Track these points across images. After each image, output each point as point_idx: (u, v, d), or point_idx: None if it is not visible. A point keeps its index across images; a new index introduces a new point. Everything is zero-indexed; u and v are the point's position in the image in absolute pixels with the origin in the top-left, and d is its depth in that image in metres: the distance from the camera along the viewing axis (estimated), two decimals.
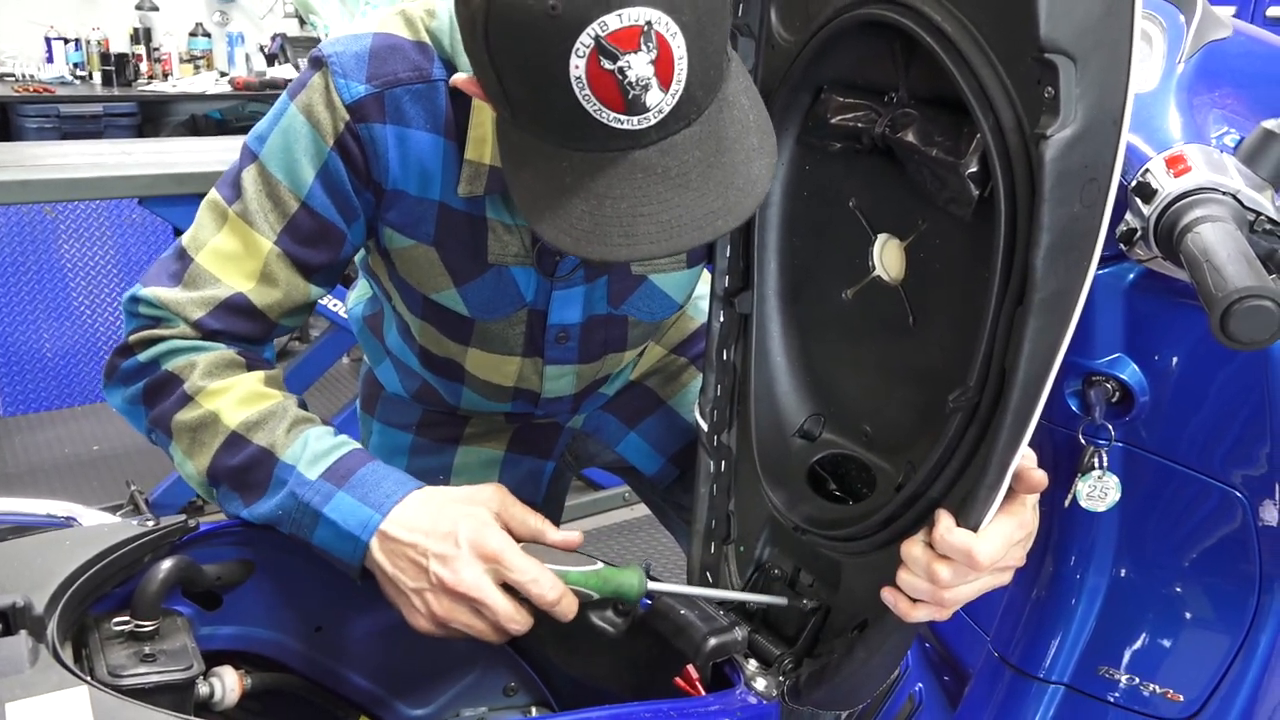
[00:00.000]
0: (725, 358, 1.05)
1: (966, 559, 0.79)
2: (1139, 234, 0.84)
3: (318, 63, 0.96)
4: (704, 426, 1.08)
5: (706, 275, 1.40)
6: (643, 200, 0.78)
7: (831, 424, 1.01)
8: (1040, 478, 0.83)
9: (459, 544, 0.83)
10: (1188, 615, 1.05)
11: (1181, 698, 1.05)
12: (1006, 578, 0.85)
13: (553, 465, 1.33)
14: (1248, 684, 1.04)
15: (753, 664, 0.94)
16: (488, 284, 1.06)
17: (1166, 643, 1.06)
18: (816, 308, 1.00)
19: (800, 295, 1.01)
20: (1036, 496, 0.84)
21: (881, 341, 0.94)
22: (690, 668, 0.90)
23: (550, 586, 0.84)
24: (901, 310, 0.91)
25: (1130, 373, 0.98)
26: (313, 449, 0.90)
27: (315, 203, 0.97)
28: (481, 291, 1.06)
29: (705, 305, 1.36)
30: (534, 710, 1.04)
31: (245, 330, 0.99)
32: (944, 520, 0.81)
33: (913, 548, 0.82)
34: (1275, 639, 1.03)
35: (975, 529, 0.80)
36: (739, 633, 0.92)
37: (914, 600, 0.83)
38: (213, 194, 1.00)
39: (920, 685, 1.35)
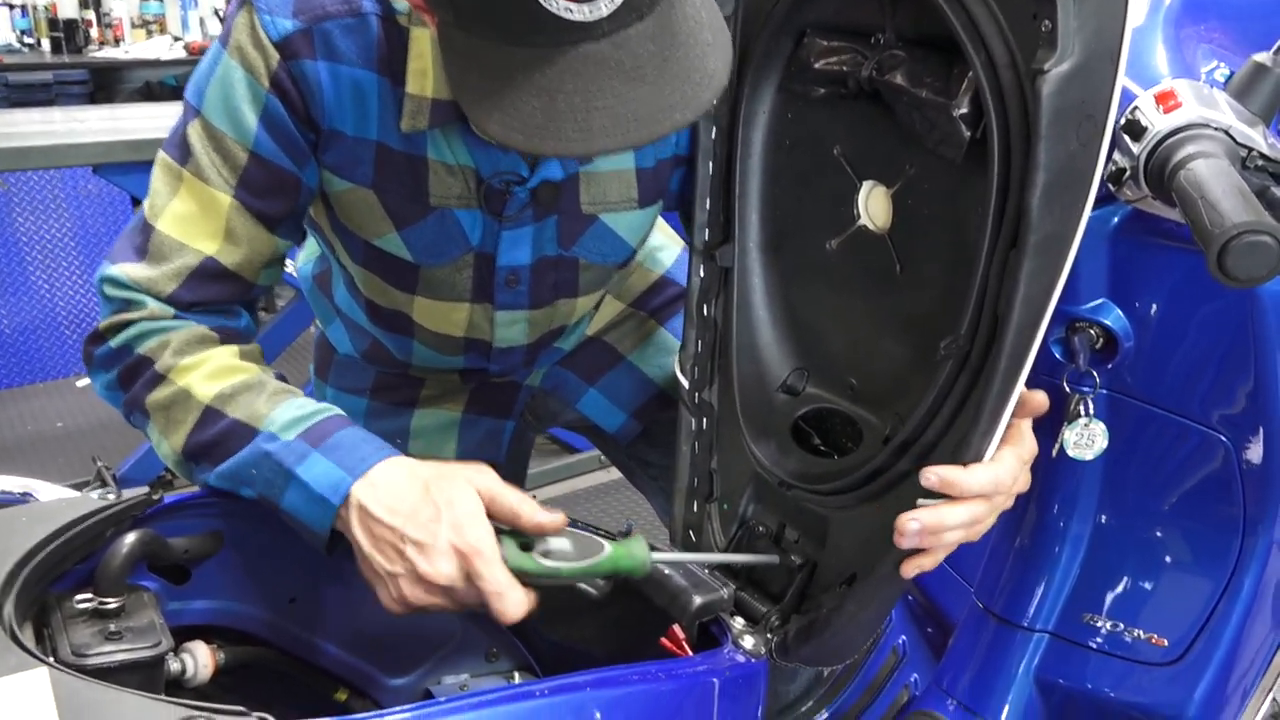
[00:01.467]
0: (706, 313, 1.03)
1: (996, 488, 0.80)
2: (1128, 173, 0.82)
3: (242, 1, 0.92)
4: (685, 383, 1.06)
5: (663, 225, 1.37)
6: (597, 94, 0.76)
7: (816, 378, 0.99)
8: (1042, 400, 0.82)
9: (438, 535, 0.80)
10: (1172, 560, 1.05)
11: (1166, 642, 1.06)
12: (1010, 502, 0.85)
13: (513, 424, 1.31)
14: (1231, 627, 1.04)
15: (739, 622, 0.92)
16: (431, 227, 1.03)
17: (1150, 588, 1.06)
18: (800, 259, 0.98)
19: (783, 247, 0.99)
20: (1029, 421, 0.84)
21: (867, 292, 0.92)
22: (676, 628, 0.88)
23: (513, 605, 0.80)
24: (888, 259, 0.89)
25: (1114, 318, 0.97)
26: (291, 414, 0.87)
27: (264, 150, 0.94)
28: (424, 235, 1.03)
29: (663, 257, 1.35)
30: (517, 675, 1.02)
31: (222, 295, 0.96)
32: (948, 472, 0.79)
33: (927, 514, 0.80)
34: (1259, 581, 1.04)
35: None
36: (725, 592, 0.90)
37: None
38: (162, 156, 0.97)
39: (904, 638, 1.35)
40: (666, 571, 0.91)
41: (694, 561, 0.92)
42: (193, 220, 0.94)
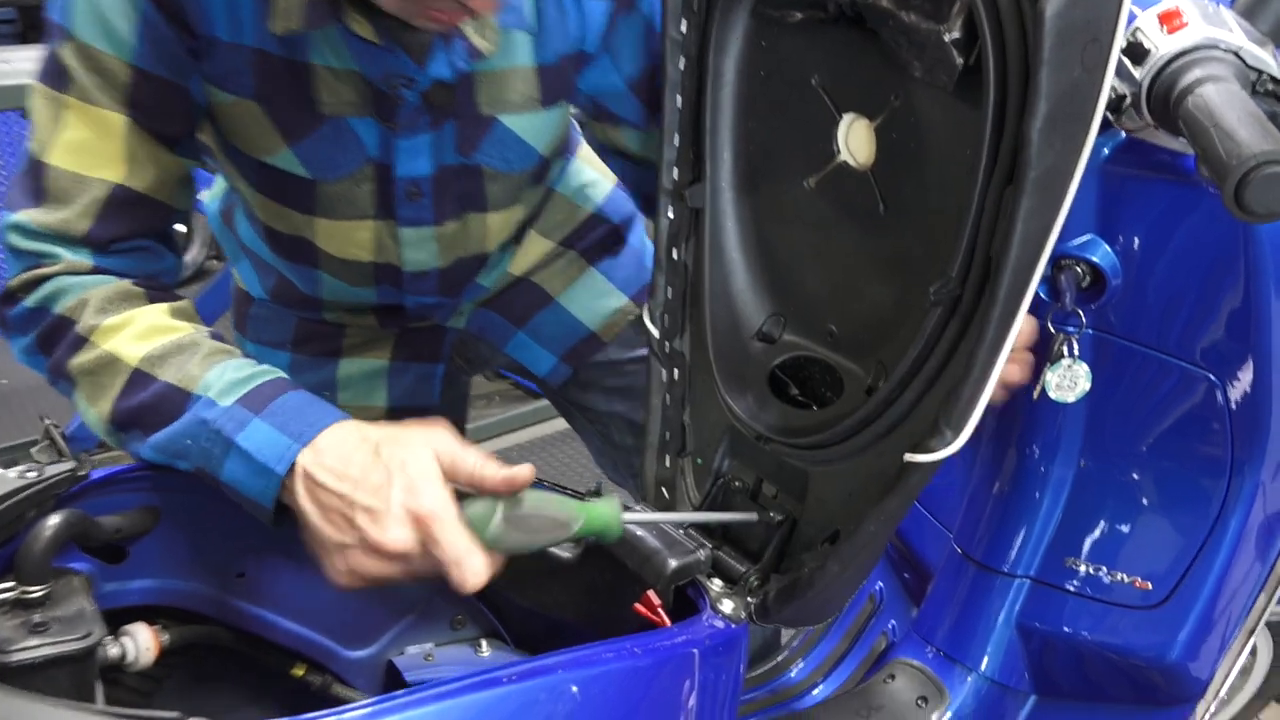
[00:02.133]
0: (676, 257, 0.97)
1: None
2: (1128, 101, 0.77)
3: None
4: (655, 332, 1.00)
5: (594, 159, 1.29)
6: None
7: (793, 324, 0.94)
8: (1032, 327, 0.81)
9: (390, 500, 0.73)
10: (1156, 503, 1.03)
11: (1150, 585, 1.04)
12: None
13: (443, 368, 1.26)
14: (1216, 570, 1.03)
15: (717, 584, 0.88)
16: (325, 139, 0.96)
17: (1135, 531, 1.04)
18: (775, 199, 0.92)
19: (757, 186, 0.93)
20: None
21: (848, 233, 0.87)
22: (650, 593, 0.84)
23: (473, 573, 0.73)
24: (870, 198, 0.83)
25: (1102, 255, 0.94)
26: (229, 377, 0.80)
27: (145, 63, 0.87)
28: (318, 148, 0.96)
29: (593, 193, 1.29)
30: (484, 643, 0.98)
31: (140, 225, 0.89)
32: None
33: None
34: (1244, 524, 1.02)
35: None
36: (701, 553, 0.86)
37: None
38: (38, 87, 0.89)
39: (881, 584, 1.34)
40: (639, 533, 0.86)
41: (668, 521, 0.87)
42: (88, 148, 0.86)
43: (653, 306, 1.00)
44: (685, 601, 0.86)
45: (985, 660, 1.10)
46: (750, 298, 0.95)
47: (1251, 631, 1.07)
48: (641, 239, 1.35)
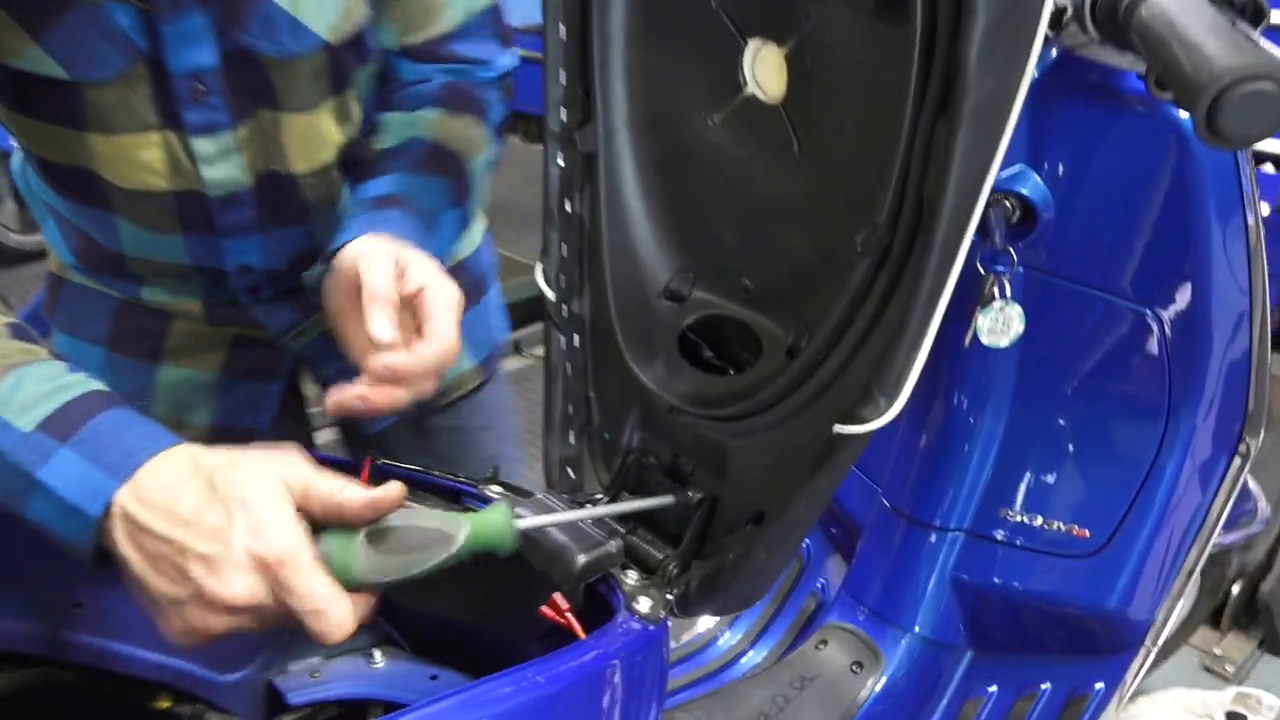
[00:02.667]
0: (570, 209, 0.87)
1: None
2: (1069, 13, 0.69)
3: None
4: (550, 295, 0.90)
5: None
6: None
7: (703, 280, 0.85)
8: None
9: (231, 544, 0.61)
10: (1093, 448, 0.98)
11: (1088, 533, 1.00)
12: None
13: (279, 386, 1.13)
14: (1153, 514, 1.00)
15: (632, 576, 0.79)
16: (78, 28, 0.82)
17: (1071, 479, 1.00)
18: (677, 139, 0.82)
19: (656, 125, 0.83)
20: None
21: (760, 176, 0.78)
22: (558, 595, 0.74)
23: (335, 624, 0.62)
24: (784, 135, 0.74)
25: (1033, 187, 0.87)
26: (29, 391, 0.65)
27: None
28: (72, 40, 0.83)
29: (462, 244, 1.15)
30: (377, 653, 0.87)
31: None
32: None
33: None
34: (1181, 464, 0.98)
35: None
36: (613, 544, 0.76)
37: None
38: None
39: (807, 541, 1.28)
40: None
41: (572, 520, 0.77)
42: None
43: (547, 265, 0.90)
44: (598, 599, 0.77)
45: (919, 619, 1.06)
46: (654, 252, 0.86)
47: (1190, 575, 1.04)
48: (498, 296, 1.24)
